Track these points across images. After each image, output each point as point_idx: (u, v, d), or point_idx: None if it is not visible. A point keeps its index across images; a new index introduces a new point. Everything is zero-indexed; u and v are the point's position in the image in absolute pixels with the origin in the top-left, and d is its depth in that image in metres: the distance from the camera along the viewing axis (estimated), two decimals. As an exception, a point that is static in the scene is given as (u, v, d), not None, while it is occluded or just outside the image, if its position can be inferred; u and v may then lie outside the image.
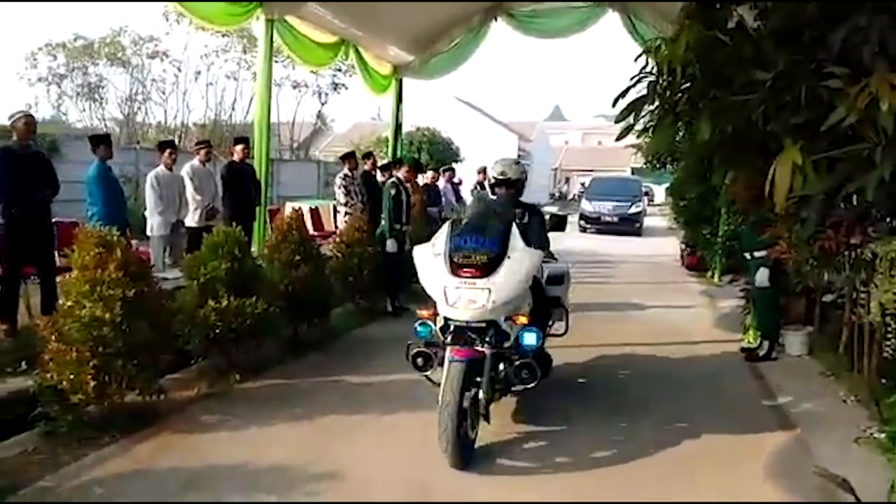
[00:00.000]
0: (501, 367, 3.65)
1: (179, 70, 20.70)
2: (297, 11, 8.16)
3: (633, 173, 28.77)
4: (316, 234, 9.93)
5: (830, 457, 3.54)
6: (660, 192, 29.94)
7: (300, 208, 10.35)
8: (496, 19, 10.74)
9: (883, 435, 3.42)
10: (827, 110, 3.03)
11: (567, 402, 4.57)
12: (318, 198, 16.96)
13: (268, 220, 8.17)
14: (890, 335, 3.39)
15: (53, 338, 3.66)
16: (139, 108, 20.81)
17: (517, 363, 3.60)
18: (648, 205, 26.24)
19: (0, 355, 4.66)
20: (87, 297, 3.64)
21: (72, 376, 3.57)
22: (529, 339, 3.63)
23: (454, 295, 3.51)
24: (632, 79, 3.90)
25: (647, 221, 21.70)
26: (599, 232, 18.82)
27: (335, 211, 10.42)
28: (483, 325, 3.53)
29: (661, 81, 3.78)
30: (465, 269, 3.54)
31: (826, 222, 3.44)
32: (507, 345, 3.66)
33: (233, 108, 22.11)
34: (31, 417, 3.67)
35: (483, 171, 12.35)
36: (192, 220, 6.94)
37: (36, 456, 3.46)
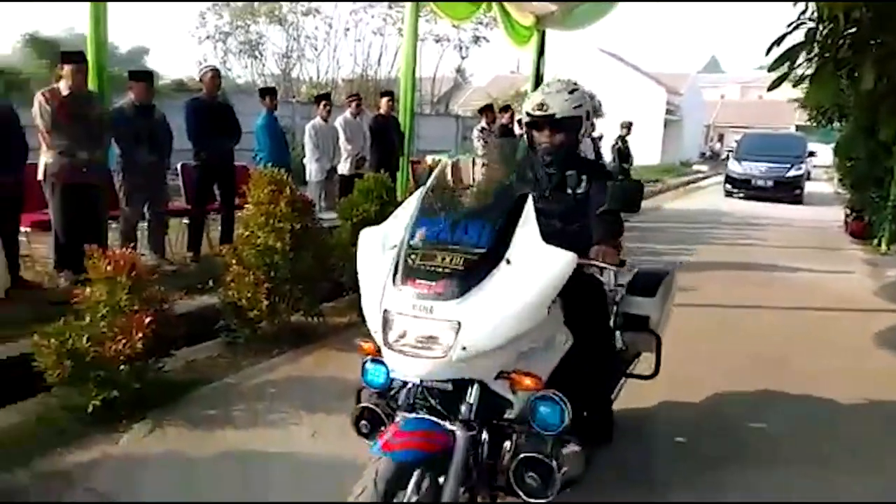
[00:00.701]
0: (506, 445, 2.09)
1: (330, 27, 21.81)
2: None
3: (797, 131, 25.15)
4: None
5: None
6: (827, 153, 26.67)
7: (439, 160, 10.71)
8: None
9: None
10: None
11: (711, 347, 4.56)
12: (458, 152, 17.39)
13: (410, 171, 8.63)
14: None
15: (234, 262, 4.28)
16: (294, 65, 22.25)
17: (520, 457, 1.97)
18: (813, 167, 23.05)
19: (189, 277, 5.47)
20: (262, 228, 4.21)
21: (249, 295, 4.17)
22: (546, 414, 2.00)
23: (397, 327, 1.93)
24: (789, 25, 3.72)
25: (811, 187, 18.86)
26: (749, 198, 16.17)
27: (474, 163, 10.71)
28: (448, 386, 1.96)
29: (821, 28, 3.57)
30: (421, 281, 1.92)
31: None
32: (509, 415, 2.10)
33: (378, 63, 23.01)
34: (216, 328, 4.35)
35: (626, 126, 12.05)
36: (343, 167, 7.54)
37: (220, 360, 4.12)
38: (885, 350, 4.98)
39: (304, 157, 7.27)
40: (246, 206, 4.36)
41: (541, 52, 11.74)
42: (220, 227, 6.24)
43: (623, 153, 11.81)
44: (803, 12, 3.78)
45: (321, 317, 4.67)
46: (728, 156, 19.06)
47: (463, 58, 25.79)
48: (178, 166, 6.33)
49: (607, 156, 12.36)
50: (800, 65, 3.84)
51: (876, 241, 9.29)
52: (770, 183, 16.32)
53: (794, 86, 3.85)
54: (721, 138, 42.81)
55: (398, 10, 20.71)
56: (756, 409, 3.74)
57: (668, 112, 30.96)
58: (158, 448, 2.99)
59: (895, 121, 4.39)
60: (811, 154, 18.18)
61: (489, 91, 31.17)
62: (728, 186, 17.27)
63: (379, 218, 5.12)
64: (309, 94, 18.39)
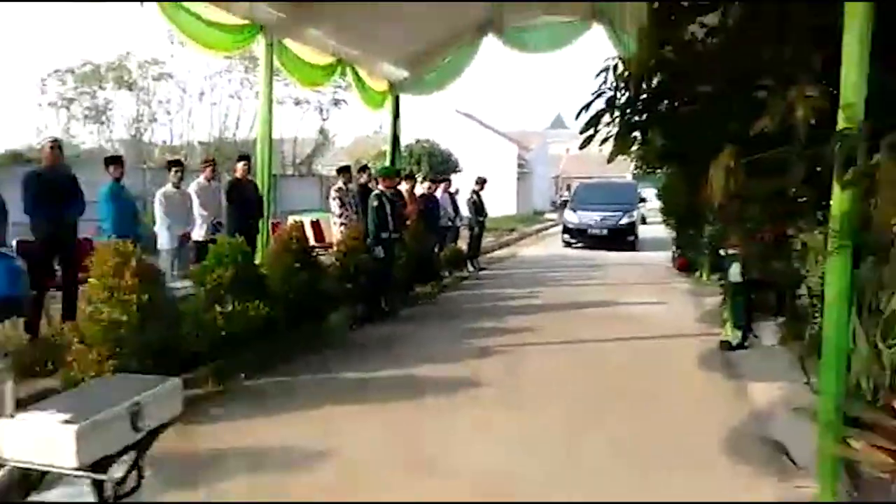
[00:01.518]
0: None
1: (184, 91, 21.32)
2: (295, 35, 8.62)
3: (634, 178, 25.75)
4: (317, 244, 10.35)
5: (779, 428, 3.92)
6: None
7: (301, 221, 10.76)
8: (487, 36, 11.23)
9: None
10: (756, 119, 3.43)
11: (552, 388, 4.96)
12: (321, 211, 17.44)
13: (270, 233, 8.60)
14: (817, 315, 3.77)
15: (76, 340, 4.08)
16: (146, 129, 21.41)
17: None
18: (648, 210, 23.62)
19: (25, 361, 5.06)
20: (107, 303, 4.07)
21: (92, 374, 3.98)
22: None
23: None
24: (593, 94, 4.31)
25: (647, 232, 19.40)
26: (586, 247, 16.34)
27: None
28: None
29: (618, 96, 4.18)
30: None
31: (767, 216, 3.83)
32: None
33: (237, 127, 22.69)
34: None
35: (480, 181, 12.83)
36: (198, 233, 7.37)
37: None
38: (702, 366, 5.70)
39: (156, 224, 7.04)
40: (89, 280, 4.19)
41: (396, 114, 12.27)
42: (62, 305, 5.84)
43: (478, 206, 12.50)
44: (604, 82, 4.40)
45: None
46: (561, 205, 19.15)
47: (324, 119, 26.12)
48: (14, 242, 5.90)
49: (464, 209, 13.05)
50: (604, 126, 4.43)
51: (698, 274, 10.52)
52: (605, 231, 16.45)
53: (601, 144, 4.45)
54: (569, 188, 46.26)
55: (254, 75, 20.73)
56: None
57: (520, 166, 33.08)
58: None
59: (680, 173, 5.16)
60: (642, 200, 18.90)
61: (353, 151, 31.66)
62: (566, 237, 17.18)
63: (234, 283, 5.20)
64: (162, 158, 17.71)
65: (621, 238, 16.34)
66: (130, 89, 20.48)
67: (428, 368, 5.50)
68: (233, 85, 21.85)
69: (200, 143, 23.10)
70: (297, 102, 24.17)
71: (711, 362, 5.86)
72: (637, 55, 4.13)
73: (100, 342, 4.03)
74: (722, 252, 6.38)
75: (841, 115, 3.00)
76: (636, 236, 16.96)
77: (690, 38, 4.25)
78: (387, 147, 24.86)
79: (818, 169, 3.18)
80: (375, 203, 7.66)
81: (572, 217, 17.25)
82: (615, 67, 4.28)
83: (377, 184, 9.53)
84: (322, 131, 27.58)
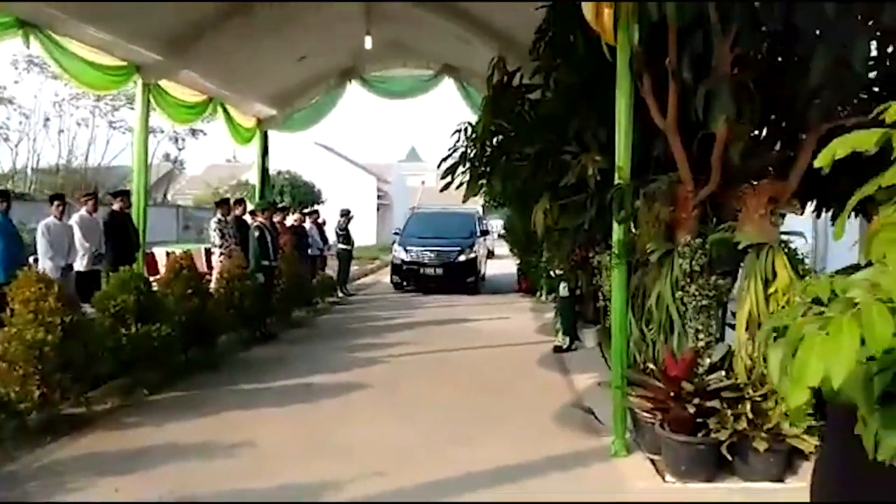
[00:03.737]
0: None
1: (26, 117, 20.11)
2: (172, 76, 9.12)
3: (484, 210, 24.97)
4: (191, 274, 10.66)
5: (590, 399, 5.30)
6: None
7: (188, 250, 10.98)
8: (350, 81, 12.34)
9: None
10: (564, 174, 4.82)
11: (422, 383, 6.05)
12: (178, 242, 17.21)
13: (144, 264, 8.92)
14: (608, 313, 5.22)
15: (-2, 360, 4.49)
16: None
17: None
18: (497, 241, 22.90)
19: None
20: (31, 324, 4.53)
21: (17, 389, 4.43)
22: None
23: None
24: (449, 149, 5.56)
25: (496, 267, 18.21)
26: (419, 290, 13.63)
27: (208, 253, 11.27)
28: None
29: (468, 152, 5.45)
30: None
31: (576, 245, 5.25)
32: None
33: (86, 156, 21.70)
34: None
35: (346, 213, 13.77)
36: (80, 264, 7.62)
37: (-9, 455, 4.26)
38: (540, 366, 7.09)
39: (38, 255, 7.21)
40: (12, 304, 4.61)
41: (265, 150, 12.91)
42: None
43: (345, 236, 13.43)
44: (458, 140, 5.68)
45: (88, 404, 5.02)
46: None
47: (180, 149, 25.64)
48: None
49: (332, 237, 13.92)
50: (460, 174, 5.69)
51: (538, 294, 12.23)
52: (440, 271, 13.75)
53: (457, 188, 5.67)
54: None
55: (106, 103, 20.13)
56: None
57: (380, 197, 34.35)
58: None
59: (518, 211, 6.56)
60: (484, 233, 16.82)
61: (206, 180, 31.04)
62: (395, 278, 14.18)
63: (136, 307, 5.74)
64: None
65: (459, 278, 13.69)
66: (-38, 113, 19.00)
67: (316, 377, 6.36)
68: (81, 111, 20.95)
69: (34, 170, 21.70)
70: (151, 131, 23.57)
71: (546, 361, 7.29)
72: (480, 122, 5.43)
73: (22, 360, 4.47)
74: (552, 273, 7.89)
75: (616, 174, 4.41)
76: (478, 276, 14.63)
77: (519, 109, 5.66)
78: (245, 175, 25.05)
79: (603, 210, 4.58)
80: (257, 234, 8.37)
81: (402, 253, 14.18)
82: (466, 129, 5.58)
83: (254, 216, 10.19)
84: (174, 159, 26.95)
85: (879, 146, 1.36)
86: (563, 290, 7.64)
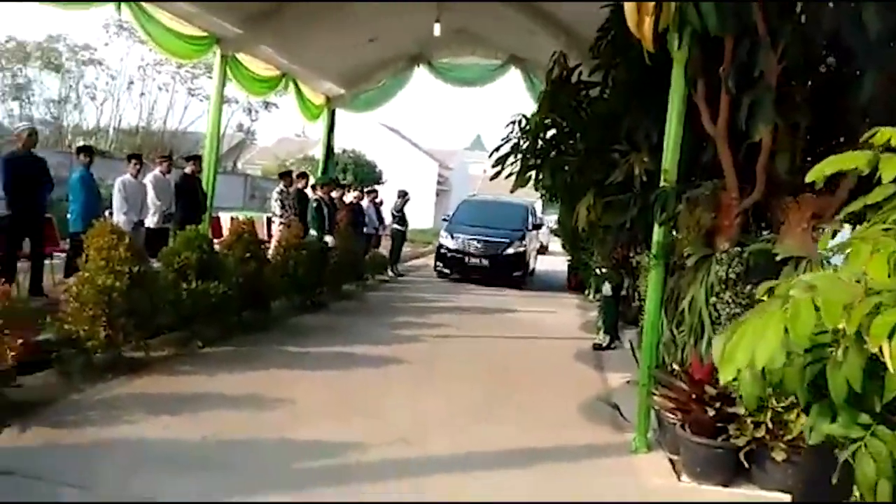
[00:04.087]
0: None
1: (113, 78, 21.31)
2: (247, 49, 9.56)
3: (542, 205, 24.07)
4: (253, 241, 11.18)
5: (619, 396, 5.38)
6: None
7: (251, 218, 11.53)
8: (418, 66, 12.56)
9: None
10: (612, 171, 4.89)
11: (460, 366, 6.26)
12: (243, 209, 17.96)
13: (210, 227, 9.44)
14: (643, 315, 5.26)
15: (72, 300, 4.95)
16: (71, 112, 21.22)
17: None
18: (551, 238, 21.42)
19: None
20: (102, 271, 4.96)
21: (86, 328, 4.88)
22: None
23: None
24: (502, 139, 5.70)
25: (547, 264, 17.54)
26: (462, 280, 13.03)
27: (269, 222, 11.79)
28: None
29: (520, 143, 5.57)
30: None
31: (618, 243, 5.32)
32: None
33: (165, 119, 22.83)
34: (51, 359, 4.90)
35: (403, 194, 14.07)
36: (150, 221, 8.17)
37: (61, 385, 4.71)
38: (576, 360, 7.18)
39: (113, 209, 7.77)
40: (86, 251, 5.06)
41: (331, 127, 13.32)
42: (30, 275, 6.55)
43: (401, 217, 13.74)
44: (511, 132, 5.80)
45: (147, 350, 5.45)
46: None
47: (253, 121, 26.58)
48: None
49: (388, 218, 14.26)
50: (510, 164, 5.82)
51: (587, 292, 12.21)
52: (486, 262, 13.14)
53: (506, 178, 5.79)
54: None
55: (187, 70, 21.08)
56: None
57: (440, 183, 34.69)
58: (35, 445, 3.68)
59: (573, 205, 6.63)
60: (537, 227, 15.77)
61: (276, 152, 32.12)
62: (439, 265, 13.61)
63: (198, 265, 6.14)
64: (85, 142, 17.74)
65: (506, 271, 13.12)
66: (57, 71, 20.27)
67: (360, 348, 6.65)
68: (163, 76, 22.03)
69: (115, 129, 22.96)
70: (227, 101, 24.52)
71: (583, 357, 7.36)
72: (535, 115, 5.54)
73: (92, 303, 4.91)
74: (597, 272, 7.93)
75: (662, 176, 4.45)
76: (526, 270, 13.86)
77: (575, 105, 5.73)
78: (312, 151, 25.67)
79: (646, 210, 4.63)
80: (315, 205, 8.73)
81: (448, 241, 13.57)
82: (520, 122, 5.69)
83: (314, 190, 10.60)
84: (248, 131, 27.94)
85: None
86: (606, 288, 7.67)
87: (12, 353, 3.80)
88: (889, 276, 1.09)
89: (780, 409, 3.81)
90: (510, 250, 13.29)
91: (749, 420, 3.83)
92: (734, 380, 1.29)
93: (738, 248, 4.14)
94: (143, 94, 22.30)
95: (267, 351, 6.25)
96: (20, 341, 3.86)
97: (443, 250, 13.63)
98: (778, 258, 3.94)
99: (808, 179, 1.61)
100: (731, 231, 4.28)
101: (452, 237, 13.58)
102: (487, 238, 13.28)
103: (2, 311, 3.91)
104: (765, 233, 4.25)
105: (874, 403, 1.12)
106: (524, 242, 13.65)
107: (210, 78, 20.20)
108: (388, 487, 3.57)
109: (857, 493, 1.32)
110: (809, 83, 3.77)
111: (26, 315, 4.35)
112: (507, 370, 6.45)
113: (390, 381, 5.69)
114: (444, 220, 15.37)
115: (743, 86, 3.57)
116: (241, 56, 9.61)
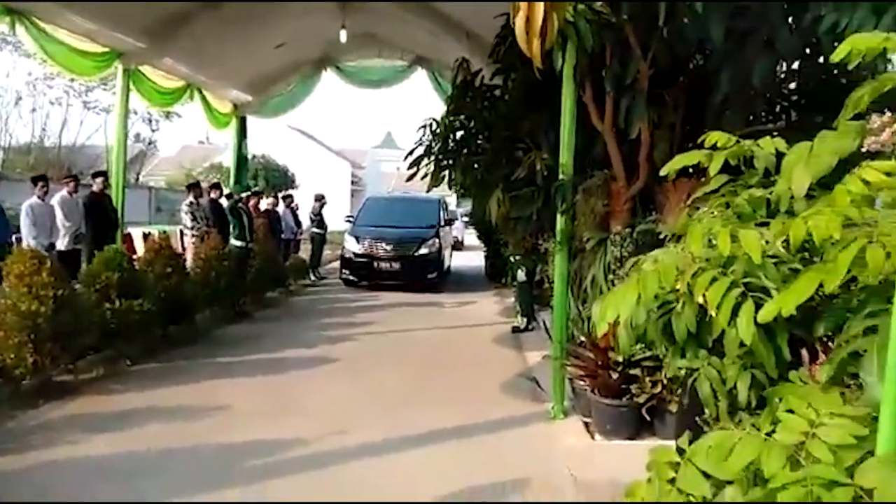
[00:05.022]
0: None
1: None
2: (152, 62, 9.42)
3: (459, 198, 22.80)
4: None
5: (538, 371, 5.88)
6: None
7: (165, 232, 11.31)
8: (325, 70, 12.71)
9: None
10: (517, 168, 5.35)
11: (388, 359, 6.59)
12: (151, 223, 17.37)
13: (122, 244, 9.26)
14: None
15: (-6, 329, 4.89)
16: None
17: None
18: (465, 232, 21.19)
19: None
20: (25, 297, 4.93)
21: (13, 356, 4.85)
22: None
23: None
24: (415, 143, 6.06)
25: (464, 260, 17.21)
26: (372, 287, 11.84)
27: (181, 234, 11.60)
28: None
29: (432, 146, 5.95)
30: None
31: (527, 232, 5.81)
32: None
33: (60, 135, 21.63)
34: (-24, 391, 4.84)
35: (320, 198, 14.15)
36: (61, 243, 7.95)
37: (-12, 415, 4.67)
38: (496, 343, 7.68)
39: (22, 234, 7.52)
40: (7, 279, 5.00)
41: (241, 135, 13.23)
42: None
43: (319, 221, 13.83)
44: (424, 135, 6.17)
45: (76, 372, 5.45)
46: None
47: (153, 130, 25.60)
48: None
49: (305, 221, 14.30)
50: (424, 166, 6.19)
51: (503, 280, 12.79)
52: (396, 265, 11.97)
53: (422, 179, 6.16)
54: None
55: (81, 84, 20.08)
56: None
57: (353, 183, 34.65)
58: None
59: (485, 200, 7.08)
60: (449, 222, 14.95)
61: (179, 161, 30.98)
62: (345, 272, 12.29)
63: (119, 284, 6.14)
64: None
65: (419, 274, 11.99)
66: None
67: (289, 352, 6.85)
68: (55, 91, 20.88)
69: (4, 148, 21.56)
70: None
71: (503, 340, 7.87)
72: (444, 118, 5.94)
73: (17, 330, 4.87)
74: (511, 260, 8.46)
75: (560, 170, 4.95)
76: (441, 270, 12.90)
77: (480, 108, 6.17)
78: (217, 158, 24.95)
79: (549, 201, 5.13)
80: (236, 215, 8.78)
81: (353, 245, 12.30)
82: (430, 125, 6.07)
83: (233, 200, 10.55)
84: (151, 141, 26.88)
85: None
86: (520, 275, 8.20)
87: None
88: (704, 248, 1.53)
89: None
90: (423, 250, 12.15)
91: (648, 380, 4.39)
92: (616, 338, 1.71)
93: (629, 230, 4.70)
94: (34, 109, 21.08)
95: (196, 364, 6.33)
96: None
97: (348, 255, 12.27)
98: (661, 235, 4.53)
99: (661, 174, 2.06)
100: (623, 215, 4.84)
101: (358, 240, 12.26)
102: (396, 238, 12.13)
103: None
104: (651, 215, 4.81)
105: (707, 341, 1.55)
106: (437, 240, 12.48)
107: (105, 90, 19.39)
108: (329, 475, 3.86)
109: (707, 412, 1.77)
110: (680, 84, 4.35)
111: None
112: (433, 358, 6.85)
113: (322, 380, 5.95)
114: (348, 220, 13.76)
115: (622, 89, 4.09)
116: (143, 68, 9.47)
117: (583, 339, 4.87)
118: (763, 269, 1.42)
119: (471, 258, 17.52)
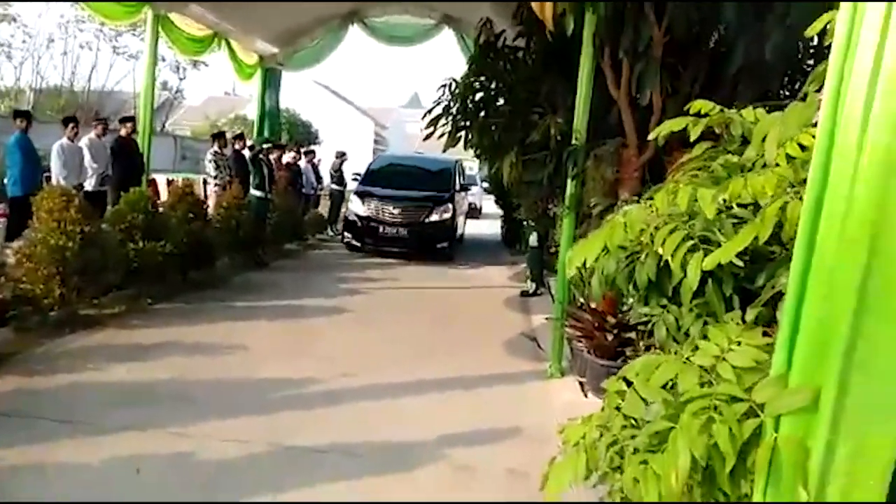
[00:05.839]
0: None
1: (30, 36, 20.28)
2: (181, 9, 9.53)
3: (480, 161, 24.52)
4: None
5: (539, 333, 6.07)
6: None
7: (191, 179, 11.58)
8: (353, 24, 12.70)
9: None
10: (532, 131, 5.44)
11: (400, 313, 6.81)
12: (175, 171, 17.70)
13: (148, 188, 9.53)
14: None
15: (25, 260, 5.17)
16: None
17: None
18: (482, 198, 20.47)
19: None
20: (54, 232, 5.19)
21: (42, 287, 5.13)
22: None
23: None
24: (434, 102, 6.14)
25: (481, 228, 16.64)
26: (378, 254, 10.82)
27: (204, 183, 11.86)
28: None
29: (451, 106, 6.04)
30: None
31: (539, 197, 5.92)
32: None
33: (89, 79, 21.94)
34: (7, 317, 5.14)
35: (340, 155, 14.30)
36: (89, 184, 8.23)
37: (19, 341, 4.97)
38: (505, 306, 7.86)
39: (52, 173, 7.80)
40: (38, 214, 5.26)
41: (266, 85, 13.35)
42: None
43: (339, 177, 14.02)
44: (442, 95, 6.25)
45: (99, 307, 5.74)
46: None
47: (181, 79, 25.79)
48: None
49: (326, 178, 14.50)
50: (442, 125, 6.29)
51: (517, 246, 12.92)
52: (403, 231, 10.88)
53: (439, 138, 6.26)
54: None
55: (111, 28, 20.24)
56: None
57: (377, 142, 34.69)
58: (11, 393, 4.01)
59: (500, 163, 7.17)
60: (465, 188, 13.74)
61: (205, 111, 31.25)
62: (347, 235, 11.33)
63: (144, 226, 6.39)
64: (9, 109, 16.98)
65: (428, 242, 10.97)
66: (-33, 28, 19.14)
67: (305, 300, 7.10)
68: (85, 35, 21.10)
69: (34, 90, 21.93)
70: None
71: (511, 303, 8.05)
72: (464, 79, 6.01)
73: (46, 263, 5.15)
74: (524, 224, 8.58)
75: (573, 135, 5.03)
76: (454, 239, 11.68)
77: (501, 69, 6.22)
78: (241, 110, 25.13)
79: (560, 166, 5.23)
80: (258, 166, 8.99)
81: (358, 206, 11.21)
82: (450, 85, 6.15)
83: (255, 151, 10.75)
84: (178, 90, 27.11)
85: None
86: (532, 239, 8.33)
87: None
88: (670, 206, 1.67)
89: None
90: (434, 216, 11.04)
91: (642, 343, 4.54)
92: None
93: (636, 198, 4.78)
94: (64, 52, 21.37)
95: (216, 306, 6.61)
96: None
97: (352, 217, 11.22)
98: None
99: (649, 138, 2.18)
100: (632, 183, 4.93)
101: (363, 201, 11.15)
102: (406, 202, 11.06)
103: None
104: (660, 183, 4.89)
105: (667, 289, 1.70)
106: (451, 206, 11.36)
107: (135, 36, 19.51)
108: (339, 411, 4.11)
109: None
110: (696, 55, 4.38)
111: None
112: (442, 315, 7.07)
113: (336, 328, 6.19)
114: (355, 179, 12.89)
115: (637, 55, 4.14)
116: (172, 16, 9.58)
117: (582, 301, 5.02)
118: (719, 223, 1.56)
119: (488, 228, 16.67)
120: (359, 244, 11.07)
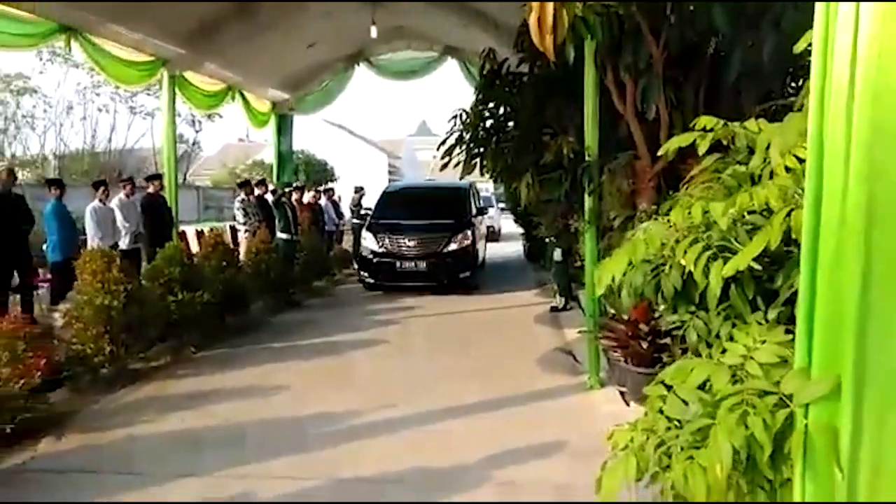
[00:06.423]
0: None
1: (50, 105, 21.12)
2: (196, 68, 9.93)
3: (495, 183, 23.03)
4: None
5: (574, 347, 6.15)
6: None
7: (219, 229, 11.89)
8: (358, 64, 13.08)
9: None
10: (544, 153, 5.60)
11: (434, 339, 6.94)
12: (200, 221, 18.20)
13: (179, 241, 9.85)
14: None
15: (74, 321, 5.42)
16: (12, 143, 20.98)
17: None
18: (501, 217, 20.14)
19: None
20: (99, 292, 5.44)
21: (92, 345, 5.36)
22: None
23: None
24: (447, 132, 6.35)
25: (504, 251, 16.26)
26: (395, 289, 10.21)
27: (233, 231, 12.20)
28: None
29: (463, 135, 6.23)
30: None
31: (558, 214, 6.06)
32: None
33: (109, 140, 22.72)
34: (62, 377, 5.38)
35: (359, 189, 14.61)
36: (123, 243, 8.54)
37: (76, 398, 5.20)
38: (536, 323, 7.96)
39: (87, 236, 8.13)
40: (81, 276, 5.52)
41: (280, 131, 13.74)
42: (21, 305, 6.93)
43: (359, 212, 14.30)
44: (455, 125, 6.45)
45: (146, 360, 5.97)
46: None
47: (197, 131, 26.52)
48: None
49: (347, 213, 14.80)
50: (456, 154, 6.48)
51: (541, 262, 13.01)
52: (422, 264, 10.20)
53: (454, 167, 6.45)
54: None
55: (125, 90, 20.97)
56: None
57: (391, 172, 35.15)
58: (77, 450, 4.21)
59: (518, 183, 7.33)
60: (482, 211, 12.79)
61: (222, 160, 32.02)
62: (363, 274, 10.66)
63: (181, 278, 6.63)
64: (37, 176, 17.64)
65: (450, 273, 10.24)
66: (-8, 103, 20.02)
67: (340, 336, 7.28)
68: (102, 98, 21.90)
69: (56, 156, 22.72)
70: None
71: (542, 319, 8.15)
72: (473, 108, 6.21)
73: (94, 322, 5.39)
74: (546, 241, 8.69)
75: (586, 153, 5.18)
76: (475, 266, 10.90)
77: (507, 95, 6.41)
78: (257, 155, 25.68)
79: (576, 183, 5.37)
80: (282, 209, 9.27)
81: (372, 242, 10.52)
82: (461, 115, 6.35)
83: (277, 195, 11.06)
84: (195, 142, 27.85)
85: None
86: (557, 255, 8.44)
87: (38, 373, 4.28)
88: (686, 219, 1.79)
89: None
90: (453, 245, 10.33)
91: (678, 348, 4.61)
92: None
93: (655, 207, 4.90)
94: (84, 117, 22.16)
95: (254, 349, 6.81)
96: (44, 361, 4.34)
97: (366, 254, 10.55)
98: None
99: (659, 153, 2.31)
100: (648, 193, 5.05)
101: (376, 236, 10.48)
102: (422, 233, 10.38)
103: (23, 337, 4.38)
104: (677, 191, 5.00)
105: (694, 297, 1.82)
106: (470, 232, 10.66)
107: (149, 94, 20.16)
108: (386, 441, 4.23)
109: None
110: (695, 66, 4.52)
111: (42, 339, 4.81)
112: (475, 337, 7.19)
113: (373, 359, 6.35)
114: (365, 214, 12.46)
115: (639, 73, 4.30)
116: (187, 74, 9.99)
117: (614, 312, 5.11)
118: (734, 232, 1.68)
119: (509, 249, 16.38)
120: (373, 281, 10.45)
